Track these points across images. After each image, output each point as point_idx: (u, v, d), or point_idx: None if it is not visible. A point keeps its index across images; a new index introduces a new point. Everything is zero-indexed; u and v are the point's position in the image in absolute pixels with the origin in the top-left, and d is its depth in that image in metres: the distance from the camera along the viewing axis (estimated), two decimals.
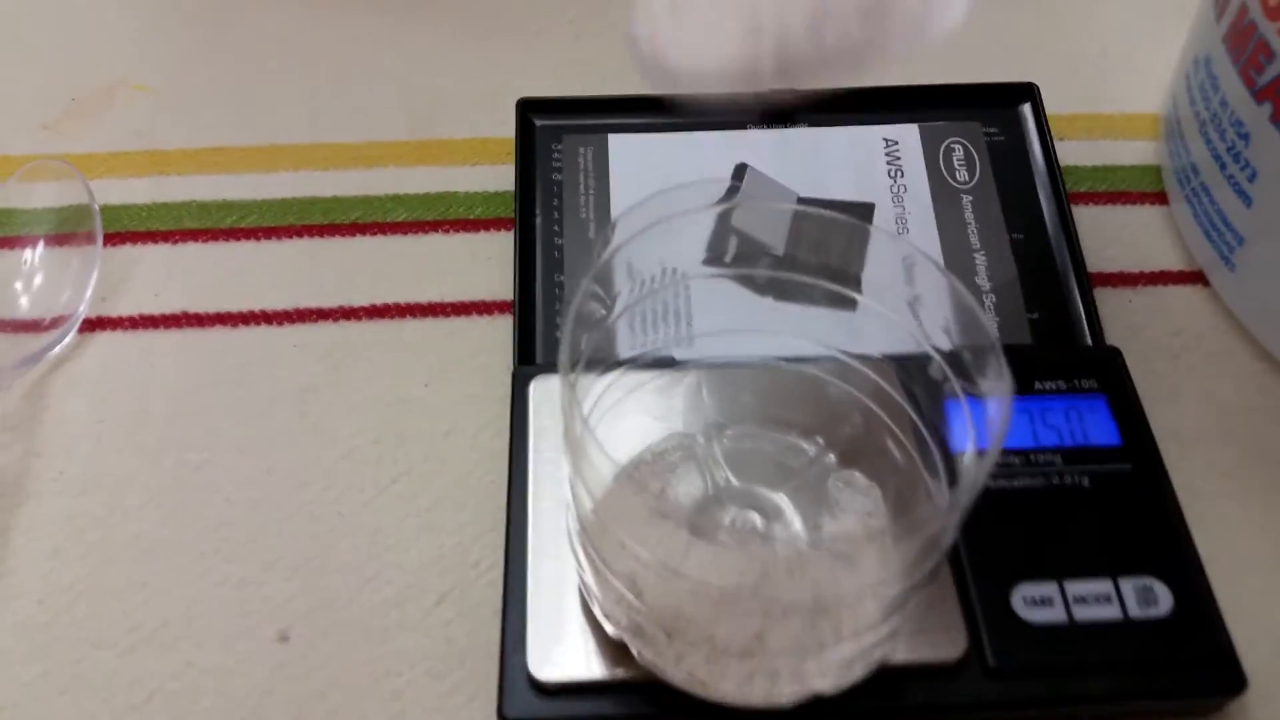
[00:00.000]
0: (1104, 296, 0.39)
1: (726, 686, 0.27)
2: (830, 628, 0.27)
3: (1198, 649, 0.30)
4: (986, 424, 0.25)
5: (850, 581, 0.26)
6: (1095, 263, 0.40)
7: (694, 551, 0.27)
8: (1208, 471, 0.35)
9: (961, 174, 0.40)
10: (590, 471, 0.25)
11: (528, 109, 0.40)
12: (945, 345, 0.28)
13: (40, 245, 0.38)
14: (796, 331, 0.32)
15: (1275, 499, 0.34)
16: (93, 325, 0.37)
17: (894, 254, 0.29)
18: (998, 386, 0.24)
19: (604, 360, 0.34)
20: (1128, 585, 0.30)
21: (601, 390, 0.32)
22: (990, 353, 0.25)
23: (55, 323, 0.37)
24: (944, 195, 0.40)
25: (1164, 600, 0.30)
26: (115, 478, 0.34)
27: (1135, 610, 0.30)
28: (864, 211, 0.39)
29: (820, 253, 0.30)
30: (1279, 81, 0.34)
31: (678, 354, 0.35)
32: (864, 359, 0.31)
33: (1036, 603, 0.30)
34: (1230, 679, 0.29)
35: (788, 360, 0.32)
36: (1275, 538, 0.34)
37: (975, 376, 0.27)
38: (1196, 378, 0.37)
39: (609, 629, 0.28)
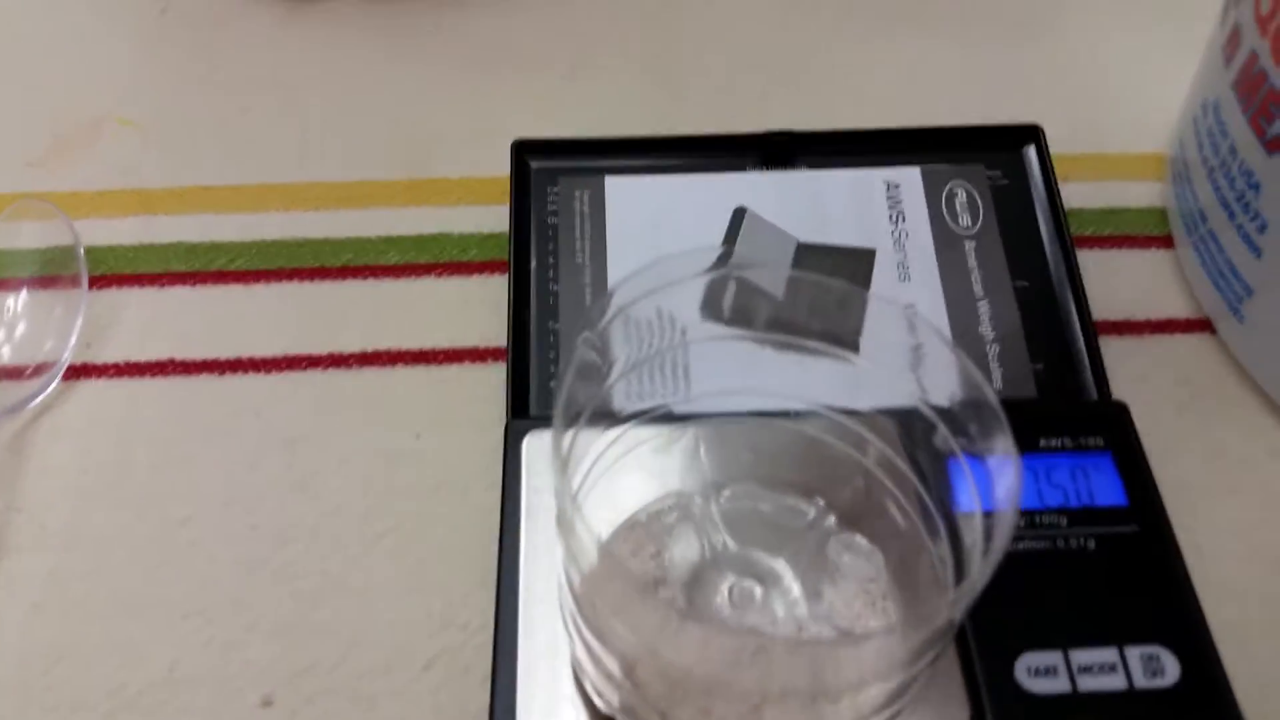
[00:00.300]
0: (1110, 345, 0.38)
1: None
2: (831, 709, 0.26)
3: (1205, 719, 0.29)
4: (996, 513, 0.25)
5: (852, 665, 0.25)
6: (1101, 310, 0.39)
7: (686, 631, 0.26)
8: (1215, 529, 0.34)
9: (964, 219, 0.40)
10: (579, 550, 0.24)
11: (523, 151, 0.40)
12: (945, 404, 0.27)
13: (24, 290, 0.38)
14: (795, 388, 0.31)
15: None
16: (77, 373, 0.37)
17: (892, 316, 0.28)
18: (1003, 469, 0.24)
19: (602, 417, 0.33)
20: (1134, 654, 0.30)
21: (600, 448, 0.32)
22: (995, 422, 0.25)
23: (38, 370, 0.36)
24: (947, 241, 0.39)
25: (1171, 669, 0.29)
26: (98, 532, 0.33)
27: (1141, 680, 0.29)
28: (865, 258, 0.39)
29: (817, 314, 0.30)
30: None
31: (676, 409, 0.34)
32: (864, 417, 0.30)
33: (1041, 673, 0.29)
34: None
35: (787, 416, 0.32)
36: None
37: (976, 436, 0.26)
38: (1204, 429, 0.37)
39: (600, 705, 0.27)
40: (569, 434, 0.27)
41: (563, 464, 0.24)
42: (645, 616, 0.24)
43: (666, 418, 0.33)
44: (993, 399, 0.25)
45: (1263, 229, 0.35)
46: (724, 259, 0.27)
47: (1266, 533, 0.34)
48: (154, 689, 0.31)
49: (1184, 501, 0.35)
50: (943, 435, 0.27)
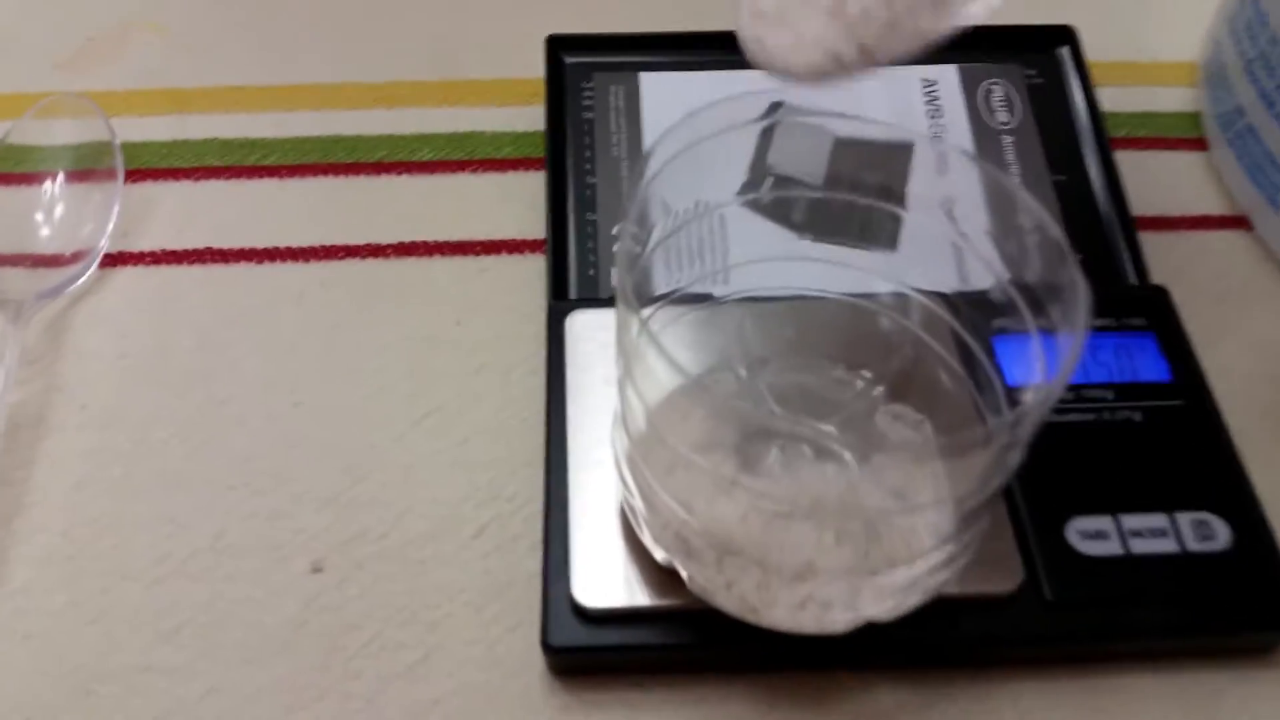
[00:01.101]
0: (1147, 240, 0.38)
1: (778, 613, 0.26)
2: (883, 555, 0.26)
3: (1257, 584, 0.29)
4: (1056, 347, 0.25)
5: (904, 532, 0.25)
6: (1137, 206, 0.39)
7: (742, 480, 0.26)
8: (1255, 412, 0.34)
9: (1002, 115, 0.39)
10: (646, 380, 0.24)
11: (557, 46, 0.40)
12: (1012, 275, 0.27)
13: (60, 180, 0.37)
14: (840, 263, 0.31)
15: None
16: (114, 260, 0.36)
17: (962, 170, 0.28)
18: (1072, 309, 0.24)
19: (640, 296, 0.33)
20: (1184, 519, 0.30)
21: (637, 325, 0.32)
22: (1065, 277, 0.24)
23: (76, 257, 0.36)
24: (985, 135, 0.39)
25: (1222, 535, 0.29)
26: (139, 412, 0.33)
27: (1193, 544, 0.29)
28: (904, 151, 0.38)
29: (867, 173, 0.30)
30: None
31: (715, 291, 0.34)
32: (916, 290, 0.30)
33: (1092, 536, 0.29)
34: None
35: (834, 294, 0.31)
36: None
37: (1047, 305, 0.26)
38: (1242, 319, 0.37)
39: (657, 555, 0.27)
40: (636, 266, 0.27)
41: (627, 292, 0.24)
42: (710, 456, 0.24)
43: (706, 297, 0.33)
44: (1064, 245, 0.25)
45: None
46: (769, 106, 0.27)
47: None
48: (200, 556, 0.30)
49: (1224, 386, 0.34)
50: (1005, 296, 0.27)
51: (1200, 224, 0.39)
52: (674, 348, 0.32)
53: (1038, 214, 0.26)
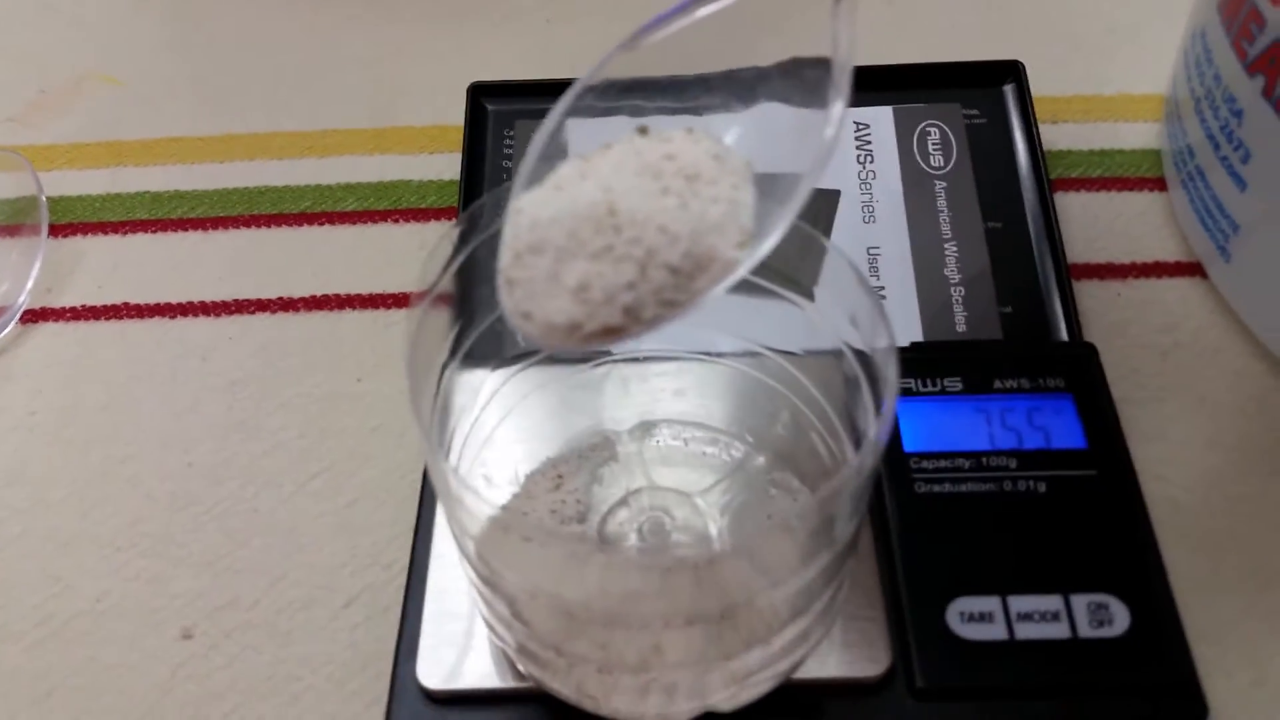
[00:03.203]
0: (1091, 290, 0.36)
1: (618, 702, 0.25)
2: (734, 635, 0.25)
3: (1154, 673, 0.27)
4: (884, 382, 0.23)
5: (758, 581, 0.24)
6: (1084, 253, 0.37)
7: (594, 563, 0.25)
8: (1193, 481, 0.32)
9: (936, 159, 0.38)
10: (463, 514, 0.23)
11: (479, 93, 0.39)
12: (856, 341, 0.25)
13: None
14: (725, 327, 0.30)
15: (1264, 511, 0.31)
16: (35, 316, 0.37)
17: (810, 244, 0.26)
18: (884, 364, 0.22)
19: (530, 353, 0.32)
20: (1080, 602, 0.28)
21: (529, 385, 0.31)
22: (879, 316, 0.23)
23: None
24: (916, 180, 0.37)
25: (1120, 619, 0.28)
26: (39, 470, 0.34)
27: (1086, 629, 0.27)
28: (829, 199, 0.37)
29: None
30: (1271, 52, 0.31)
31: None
32: (792, 356, 0.29)
33: (974, 619, 0.28)
34: (1189, 706, 0.27)
35: (718, 355, 0.30)
36: (1260, 556, 0.31)
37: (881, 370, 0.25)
38: (1187, 378, 0.34)
39: (496, 641, 0.26)
40: (442, 382, 0.27)
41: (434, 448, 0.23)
42: (549, 555, 0.23)
43: (601, 359, 0.32)
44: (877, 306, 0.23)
45: (1246, 159, 0.33)
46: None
47: (1247, 483, 0.32)
48: (80, 619, 0.31)
49: (1156, 451, 0.33)
50: (853, 366, 0.26)
51: (1151, 271, 0.37)
52: (559, 409, 0.32)
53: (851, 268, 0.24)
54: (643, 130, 0.23)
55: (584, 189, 0.22)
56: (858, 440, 0.28)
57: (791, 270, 0.27)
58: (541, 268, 0.21)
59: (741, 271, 0.21)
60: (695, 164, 0.22)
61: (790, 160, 0.22)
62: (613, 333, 0.21)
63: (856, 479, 0.22)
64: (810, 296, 0.28)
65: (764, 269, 0.28)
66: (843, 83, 0.22)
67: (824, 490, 0.21)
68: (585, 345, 0.21)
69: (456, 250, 0.25)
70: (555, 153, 0.23)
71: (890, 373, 0.22)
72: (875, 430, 0.22)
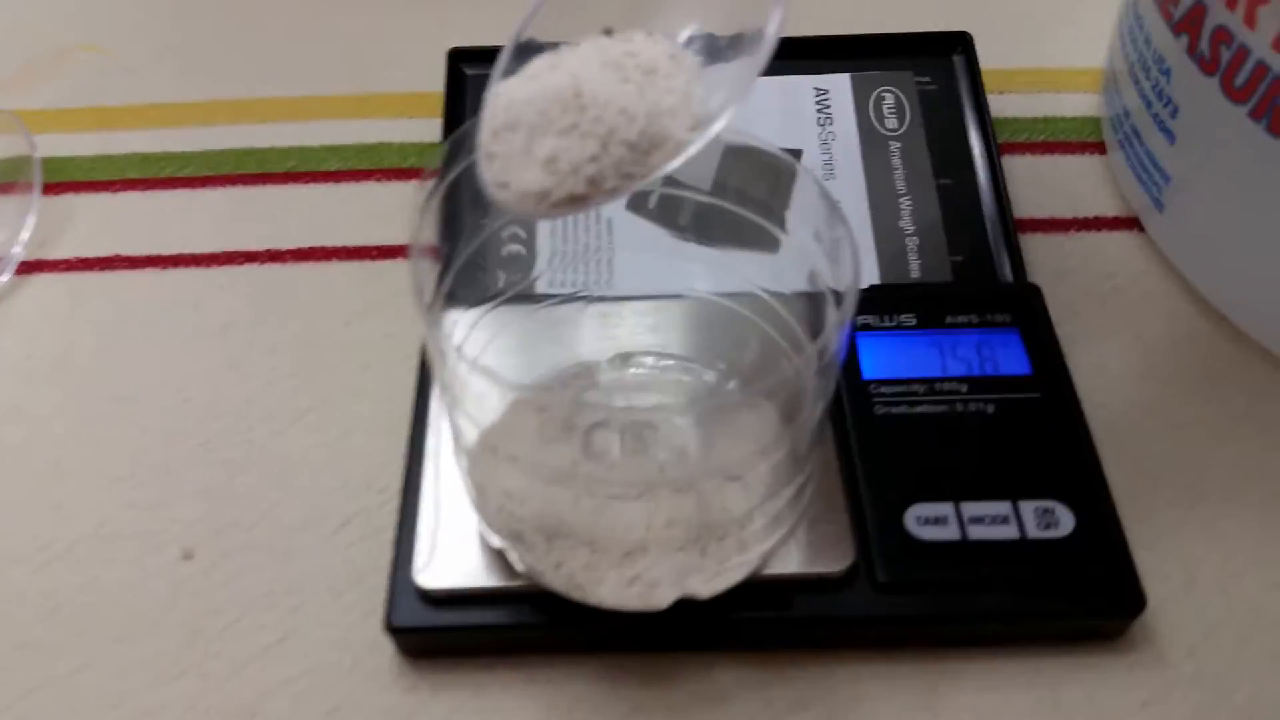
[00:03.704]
0: (1036, 242, 0.39)
1: (604, 591, 0.27)
2: (710, 529, 0.27)
3: (1096, 569, 0.29)
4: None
5: (729, 479, 0.26)
6: (1029, 209, 0.40)
7: (582, 470, 0.27)
8: (1131, 409, 0.35)
9: (891, 121, 0.40)
10: (477, 405, 0.25)
11: (459, 59, 0.41)
12: (820, 258, 0.27)
13: None
14: (712, 266, 0.32)
15: (1195, 436, 0.34)
16: (30, 268, 0.38)
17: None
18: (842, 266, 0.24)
19: (522, 295, 0.34)
20: (1028, 507, 0.30)
21: (509, 322, 0.33)
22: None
23: None
24: (873, 141, 0.40)
25: (1065, 522, 0.30)
26: (36, 409, 0.35)
27: (1034, 531, 0.30)
28: (792, 157, 0.39)
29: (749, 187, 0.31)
30: (1194, 12, 0.34)
31: (596, 290, 0.35)
32: (771, 293, 0.31)
33: (930, 522, 0.30)
34: (1129, 599, 0.29)
35: (700, 294, 0.32)
36: (1192, 474, 0.33)
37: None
38: (1126, 318, 0.37)
39: (491, 540, 0.28)
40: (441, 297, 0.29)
41: (437, 324, 0.25)
42: (549, 455, 0.25)
43: (581, 298, 0.34)
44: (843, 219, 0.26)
45: (1175, 114, 0.36)
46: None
47: (1180, 410, 0.34)
48: (82, 543, 0.32)
49: (1097, 382, 0.35)
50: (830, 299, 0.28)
51: (1092, 225, 0.40)
52: (542, 343, 0.34)
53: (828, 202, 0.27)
54: (608, 31, 0.25)
55: (554, 76, 0.24)
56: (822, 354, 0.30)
57: (766, 198, 0.29)
58: (516, 143, 0.24)
59: (692, 150, 0.23)
60: (653, 60, 0.24)
61: (735, 57, 0.24)
62: (578, 200, 0.23)
63: (819, 360, 0.24)
64: (784, 226, 0.30)
65: (744, 199, 0.31)
66: None
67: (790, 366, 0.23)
68: (554, 213, 0.24)
69: (446, 163, 0.27)
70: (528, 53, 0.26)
71: (847, 255, 0.24)
72: (834, 317, 0.24)
